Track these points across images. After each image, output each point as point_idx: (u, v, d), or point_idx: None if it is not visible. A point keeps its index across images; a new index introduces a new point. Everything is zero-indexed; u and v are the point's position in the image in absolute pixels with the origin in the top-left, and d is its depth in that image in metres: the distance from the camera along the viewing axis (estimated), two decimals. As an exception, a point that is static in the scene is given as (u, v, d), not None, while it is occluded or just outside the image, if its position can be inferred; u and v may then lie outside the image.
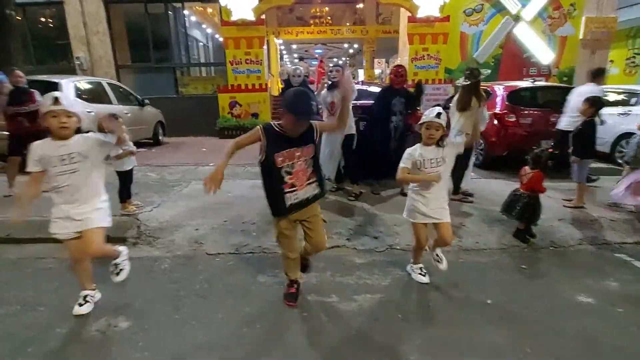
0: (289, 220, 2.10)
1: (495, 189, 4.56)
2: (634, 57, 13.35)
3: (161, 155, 7.00)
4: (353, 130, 4.11)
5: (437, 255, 2.58)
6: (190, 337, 1.99)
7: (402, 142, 4.35)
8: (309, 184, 2.04)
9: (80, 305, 2.19)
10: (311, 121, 2.01)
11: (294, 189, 1.99)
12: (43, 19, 10.62)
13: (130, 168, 3.61)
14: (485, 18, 9.96)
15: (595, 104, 3.85)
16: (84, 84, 6.58)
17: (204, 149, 7.81)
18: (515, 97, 5.71)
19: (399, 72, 4.20)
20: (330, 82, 4.10)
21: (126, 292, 2.41)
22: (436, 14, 9.49)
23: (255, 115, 9.84)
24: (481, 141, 5.64)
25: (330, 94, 4.06)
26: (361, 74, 17.86)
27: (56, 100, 1.94)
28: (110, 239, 3.02)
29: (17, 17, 6.61)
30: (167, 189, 4.54)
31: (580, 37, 10.06)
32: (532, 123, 5.53)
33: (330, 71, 4.12)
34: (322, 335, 2.01)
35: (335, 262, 2.82)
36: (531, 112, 5.60)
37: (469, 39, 10.10)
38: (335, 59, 24.25)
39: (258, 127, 1.96)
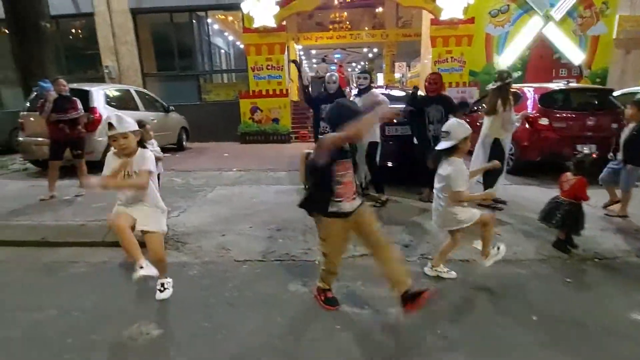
0: (338, 222, 2.04)
1: (529, 195, 4.36)
2: (671, 56, 12.63)
3: (185, 161, 7.12)
4: (377, 138, 4.03)
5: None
6: (221, 348, 1.94)
7: None
8: (354, 198, 2.05)
9: (161, 291, 2.36)
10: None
11: (340, 199, 1.99)
12: (74, 30, 11.10)
13: (157, 174, 3.65)
14: (512, 19, 9.70)
15: None
16: (113, 91, 6.79)
17: (226, 154, 7.89)
18: (548, 100, 5.47)
19: (432, 80, 4.08)
20: (357, 89, 4.06)
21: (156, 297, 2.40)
22: (460, 15, 9.30)
23: (275, 120, 9.90)
24: (511, 146, 5.42)
25: (358, 99, 4.01)
26: (380, 78, 17.73)
27: (110, 126, 2.09)
28: (140, 244, 3.07)
29: (51, 28, 6.90)
30: (193, 194, 4.57)
31: (614, 36, 9.63)
32: (567, 127, 5.27)
33: (358, 77, 4.07)
34: (358, 350, 1.92)
35: (365, 271, 2.71)
36: (566, 115, 5.35)
37: (494, 40, 9.84)
38: (353, 64, 24.22)
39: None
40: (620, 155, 3.75)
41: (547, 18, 9.56)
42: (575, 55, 9.76)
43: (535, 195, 4.35)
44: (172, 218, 3.66)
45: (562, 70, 9.97)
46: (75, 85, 6.51)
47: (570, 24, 9.68)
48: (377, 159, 4.08)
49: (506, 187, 4.49)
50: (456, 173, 2.28)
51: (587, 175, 2.98)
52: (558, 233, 3.08)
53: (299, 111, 11.41)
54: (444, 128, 2.35)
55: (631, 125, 3.69)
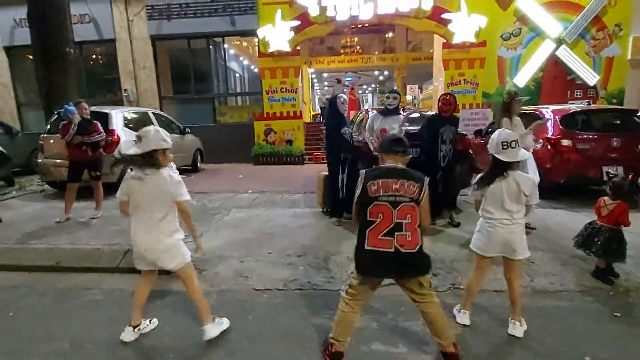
0: None
1: (558, 220, 4.17)
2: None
3: (200, 182, 7.10)
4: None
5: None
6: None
7: (451, 171, 4.10)
8: None
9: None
10: None
11: None
12: (95, 56, 11.53)
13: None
14: (524, 42, 9.72)
15: None
16: (131, 114, 6.90)
17: (240, 176, 7.88)
18: (569, 121, 5.34)
19: (446, 101, 4.03)
20: (386, 109, 3.95)
21: (176, 332, 2.27)
22: (472, 39, 9.37)
23: (289, 142, 9.93)
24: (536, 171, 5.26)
25: (384, 120, 3.89)
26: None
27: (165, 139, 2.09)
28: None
29: (74, 54, 7.14)
30: (209, 217, 4.49)
31: (628, 57, 9.54)
32: (591, 148, 5.10)
33: (387, 97, 3.98)
34: (394, 394, 1.75)
35: (394, 303, 2.55)
36: (589, 136, 5.19)
37: (507, 62, 9.84)
38: (364, 86, 24.55)
39: None
40: None
41: (559, 41, 9.57)
42: (589, 76, 9.67)
43: (565, 220, 4.17)
44: (189, 243, 3.55)
45: (577, 92, 9.85)
46: (94, 108, 6.67)
47: (584, 45, 9.64)
48: None
49: (534, 212, 4.30)
50: (535, 184, 2.14)
51: (627, 199, 2.81)
52: (597, 261, 2.89)
53: (312, 133, 11.46)
54: (513, 137, 2.09)
55: None
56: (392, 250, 1.75)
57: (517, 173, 2.12)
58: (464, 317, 2.33)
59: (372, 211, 1.77)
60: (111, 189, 6.01)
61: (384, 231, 1.75)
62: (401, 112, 4.20)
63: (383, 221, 1.75)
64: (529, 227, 3.85)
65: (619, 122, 5.52)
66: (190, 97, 10.88)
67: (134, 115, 6.99)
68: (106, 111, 6.25)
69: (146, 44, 10.17)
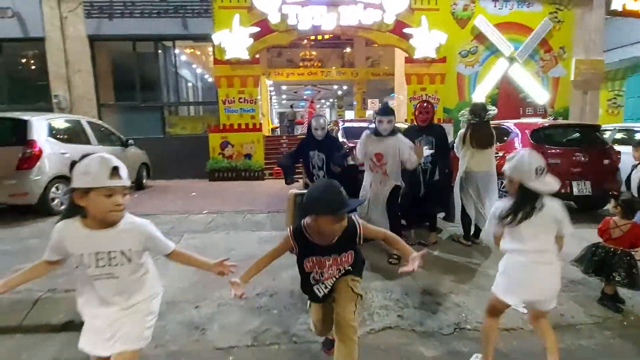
0: None
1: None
2: (615, 98, 13.89)
3: (145, 202, 6.13)
4: (399, 182, 3.43)
5: None
6: None
7: (435, 187, 3.74)
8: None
9: None
10: (356, 223, 1.68)
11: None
12: (21, 56, 10.01)
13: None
14: (481, 59, 10.07)
15: None
16: (59, 122, 5.84)
17: (194, 193, 7.01)
18: (539, 136, 5.33)
19: (423, 109, 3.67)
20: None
21: None
22: (432, 55, 9.50)
23: (248, 156, 9.23)
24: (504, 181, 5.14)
25: (379, 143, 3.30)
26: (351, 115, 17.88)
27: (114, 172, 1.30)
28: (59, 327, 2.17)
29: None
30: (154, 247, 3.67)
31: (572, 78, 10.26)
32: (561, 163, 5.07)
33: (380, 121, 3.25)
34: None
35: (396, 354, 2.03)
36: (557, 151, 5.19)
37: (466, 79, 10.11)
38: (322, 100, 24.53)
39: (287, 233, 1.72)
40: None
41: (512, 60, 10.05)
42: (539, 94, 10.23)
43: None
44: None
45: (528, 109, 10.37)
46: (9, 114, 5.52)
47: (533, 66, 10.23)
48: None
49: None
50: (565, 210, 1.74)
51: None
52: (605, 288, 2.62)
53: (273, 147, 10.85)
54: (542, 161, 1.72)
55: None
56: None
57: (548, 199, 1.72)
58: None
59: None
60: (29, 212, 4.92)
61: None
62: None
63: None
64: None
65: (583, 137, 5.61)
66: (136, 105, 9.75)
67: (64, 124, 5.92)
68: (25, 118, 5.16)
69: (82, 44, 8.97)
